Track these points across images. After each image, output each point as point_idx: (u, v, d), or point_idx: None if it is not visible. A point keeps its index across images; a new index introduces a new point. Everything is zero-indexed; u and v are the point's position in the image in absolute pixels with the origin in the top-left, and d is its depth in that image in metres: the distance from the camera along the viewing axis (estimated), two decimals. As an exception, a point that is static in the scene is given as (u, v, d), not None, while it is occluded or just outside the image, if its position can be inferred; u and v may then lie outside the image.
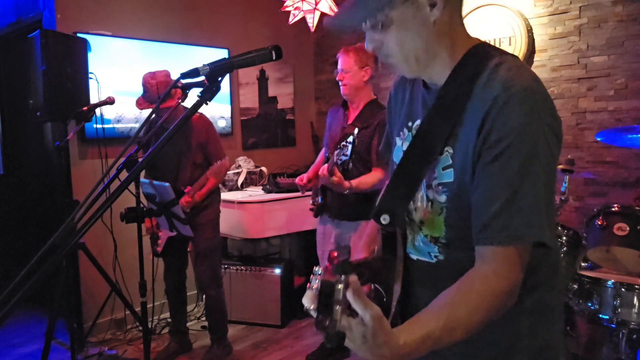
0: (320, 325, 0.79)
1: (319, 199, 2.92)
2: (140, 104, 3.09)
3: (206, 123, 3.11)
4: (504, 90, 0.95)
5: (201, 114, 3.12)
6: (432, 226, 1.09)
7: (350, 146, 2.33)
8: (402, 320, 1.12)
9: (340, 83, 2.85)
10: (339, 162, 2.41)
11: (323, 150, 3.16)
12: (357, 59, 2.78)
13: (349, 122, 2.91)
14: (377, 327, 0.81)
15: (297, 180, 2.97)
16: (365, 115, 2.86)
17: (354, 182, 2.65)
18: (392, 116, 1.29)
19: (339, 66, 2.84)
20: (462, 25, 1.09)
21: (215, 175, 3.01)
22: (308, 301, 0.88)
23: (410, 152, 1.08)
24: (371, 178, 2.73)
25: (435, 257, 1.11)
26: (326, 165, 2.59)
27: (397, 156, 1.21)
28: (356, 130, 2.36)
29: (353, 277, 0.80)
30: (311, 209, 3.04)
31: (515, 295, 0.95)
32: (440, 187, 1.05)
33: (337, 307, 0.78)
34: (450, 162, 1.03)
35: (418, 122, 1.13)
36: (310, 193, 3.06)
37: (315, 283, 0.83)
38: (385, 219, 1.03)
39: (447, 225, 1.06)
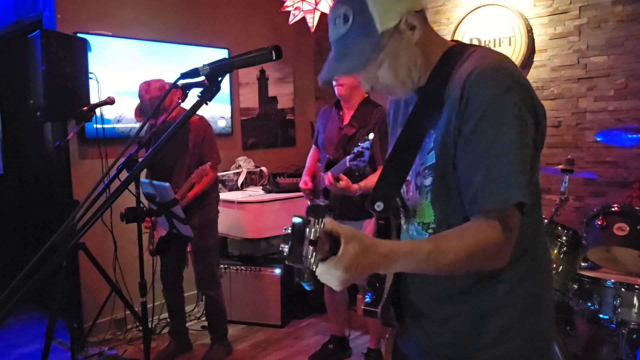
0: (291, 258, 0.83)
1: (322, 201, 2.91)
2: (137, 116, 3.13)
3: (205, 124, 3.12)
4: (475, 68, 1.02)
5: (201, 116, 3.12)
6: (422, 212, 1.15)
7: (367, 152, 2.34)
8: (394, 307, 1.20)
9: (334, 84, 2.85)
10: (354, 167, 2.42)
11: (314, 151, 3.17)
12: None
13: (345, 122, 2.91)
14: (355, 235, 0.89)
15: (301, 186, 2.99)
16: (361, 114, 2.87)
17: (362, 183, 2.66)
18: (391, 126, 1.34)
19: None
20: (435, 33, 1.16)
21: (198, 178, 3.02)
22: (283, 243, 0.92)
23: (399, 142, 1.14)
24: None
25: None
26: (329, 173, 2.61)
27: None
28: (371, 135, 2.38)
29: (327, 219, 0.87)
30: None
31: (505, 254, 0.99)
32: (426, 171, 1.11)
33: (310, 247, 0.82)
34: (432, 145, 1.09)
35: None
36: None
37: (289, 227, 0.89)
38: (379, 205, 1.09)
39: (434, 208, 1.11)
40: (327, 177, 2.61)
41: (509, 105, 0.99)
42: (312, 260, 0.83)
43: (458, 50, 1.11)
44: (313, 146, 3.19)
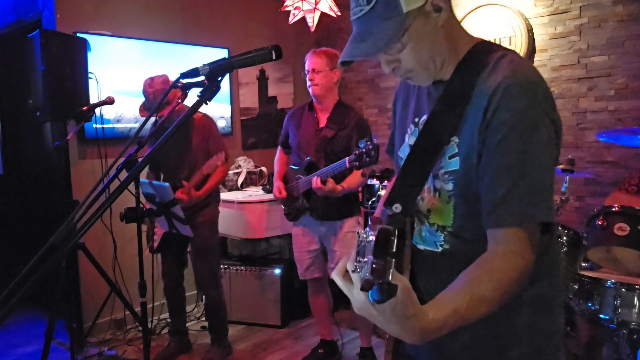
0: (376, 272, 0.73)
1: (304, 202, 2.93)
2: (142, 111, 3.13)
3: (209, 121, 3.11)
4: (507, 78, 0.99)
5: (204, 113, 3.12)
6: (440, 215, 1.11)
7: (373, 152, 2.41)
8: None
9: (310, 83, 2.87)
10: (356, 167, 2.50)
11: (281, 154, 3.19)
12: (328, 61, 2.84)
13: (321, 124, 2.92)
14: (407, 299, 0.79)
15: (276, 194, 3.03)
16: (338, 116, 2.89)
17: (344, 184, 2.75)
18: (397, 117, 1.30)
19: (309, 67, 2.87)
20: (460, 24, 1.12)
21: (211, 169, 2.96)
22: (353, 259, 0.82)
23: (418, 144, 1.09)
24: (357, 179, 2.80)
25: (441, 245, 1.12)
26: (315, 178, 2.67)
27: (404, 152, 1.23)
28: (375, 138, 2.45)
29: None
30: (286, 214, 3.11)
31: (530, 274, 0.96)
32: (446, 176, 1.08)
33: (391, 260, 0.75)
34: (457, 150, 1.06)
35: (425, 117, 1.15)
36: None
37: (369, 236, 0.78)
38: (397, 207, 1.03)
39: (456, 213, 1.09)
40: (315, 180, 2.67)
41: (539, 120, 0.97)
42: (392, 273, 0.74)
43: (486, 49, 1.08)
44: (279, 148, 3.19)
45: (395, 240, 0.76)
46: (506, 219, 0.96)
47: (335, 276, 0.85)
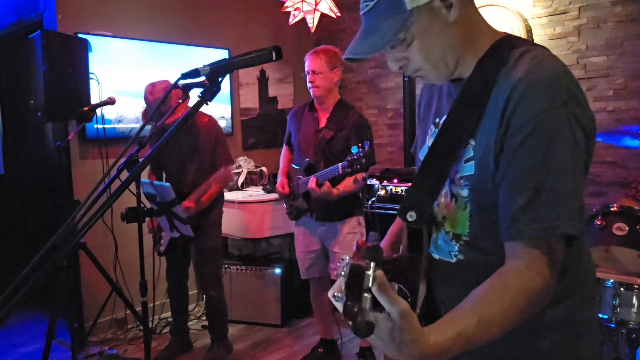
0: (348, 312, 0.72)
1: (304, 203, 2.94)
2: (144, 118, 3.16)
3: (215, 126, 3.10)
4: (526, 76, 0.91)
5: (210, 116, 3.11)
6: (456, 222, 1.05)
7: (363, 159, 2.42)
8: (426, 322, 1.08)
9: (310, 85, 2.85)
10: (347, 172, 2.49)
11: (286, 151, 3.17)
12: (328, 61, 2.81)
13: (321, 125, 2.91)
14: (405, 324, 0.75)
15: (279, 189, 3.02)
16: (337, 116, 2.88)
17: (340, 187, 2.75)
18: (420, 119, 1.25)
19: (309, 68, 2.84)
20: (482, 18, 1.03)
21: (219, 182, 3.06)
22: (335, 289, 0.80)
23: (435, 147, 1.04)
24: (350, 184, 2.78)
25: (455, 256, 1.06)
26: (312, 178, 2.68)
27: (422, 154, 1.16)
28: (367, 145, 2.44)
29: (379, 272, 0.73)
30: (288, 213, 3.10)
31: (550, 293, 0.89)
32: (462, 181, 1.01)
33: (366, 295, 0.72)
34: (472, 154, 0.99)
35: (445, 117, 1.09)
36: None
37: (343, 269, 0.76)
38: (411, 215, 0.98)
39: (472, 221, 1.02)
40: (311, 182, 2.68)
41: (563, 122, 0.89)
42: (368, 310, 0.71)
43: (510, 44, 0.99)
44: (285, 146, 3.19)
45: (372, 274, 0.72)
46: (524, 232, 0.88)
47: (331, 296, 0.81)
